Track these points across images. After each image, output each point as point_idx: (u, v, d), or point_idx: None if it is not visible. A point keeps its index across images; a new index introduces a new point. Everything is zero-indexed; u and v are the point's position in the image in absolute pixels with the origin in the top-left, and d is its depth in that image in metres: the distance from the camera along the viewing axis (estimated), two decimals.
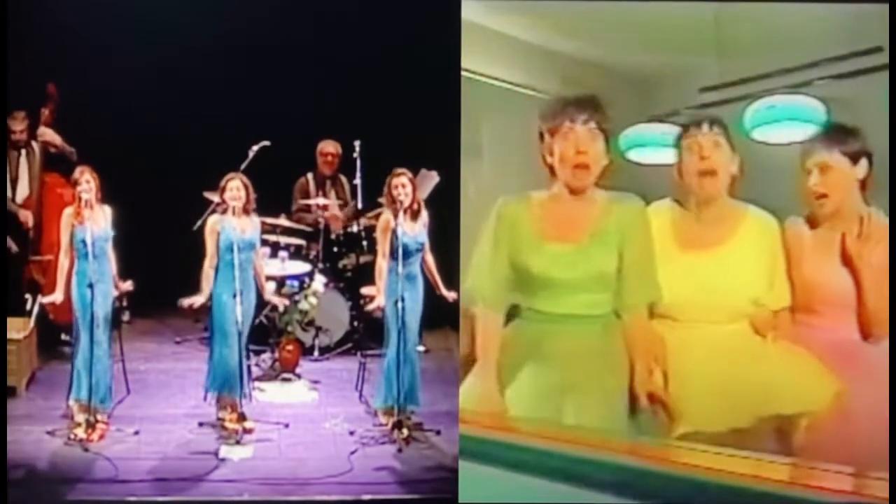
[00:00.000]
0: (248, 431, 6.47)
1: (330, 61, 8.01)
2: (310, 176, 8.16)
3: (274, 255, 7.54)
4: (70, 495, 5.92)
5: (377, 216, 6.93)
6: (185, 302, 6.46)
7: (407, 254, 6.43)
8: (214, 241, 6.42)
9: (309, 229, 7.96)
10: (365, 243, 7.78)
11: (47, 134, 7.55)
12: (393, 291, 6.41)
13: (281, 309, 7.28)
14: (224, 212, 6.47)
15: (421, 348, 6.98)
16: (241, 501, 5.93)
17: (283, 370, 7.32)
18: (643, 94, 6.56)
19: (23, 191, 7.58)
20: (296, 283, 7.47)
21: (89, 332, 6.31)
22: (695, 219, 5.33)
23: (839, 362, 5.15)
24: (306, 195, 8.10)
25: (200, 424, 6.55)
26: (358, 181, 7.78)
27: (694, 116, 5.48)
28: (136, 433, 6.47)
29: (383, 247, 6.47)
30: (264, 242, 7.11)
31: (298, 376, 7.32)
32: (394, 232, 6.41)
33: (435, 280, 6.57)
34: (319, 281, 7.49)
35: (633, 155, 6.29)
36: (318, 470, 6.18)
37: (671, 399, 5.15)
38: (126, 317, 7.55)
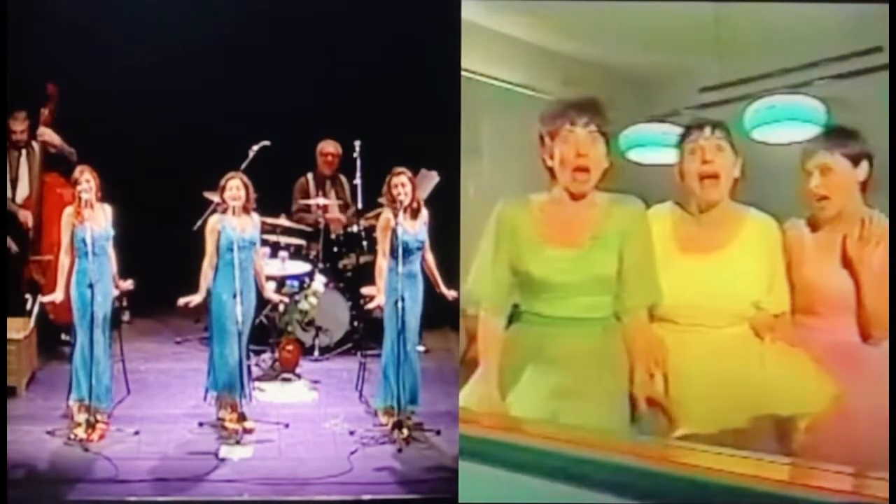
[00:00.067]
0: (248, 431, 6.47)
1: (330, 61, 8.01)
2: (310, 176, 8.17)
3: (274, 255, 7.54)
4: (70, 495, 5.92)
5: (377, 216, 6.93)
6: (182, 301, 6.47)
7: (407, 252, 6.44)
8: (214, 241, 6.42)
9: (309, 229, 7.97)
10: (365, 243, 7.79)
11: (47, 134, 7.55)
12: (393, 290, 6.42)
13: (281, 308, 7.29)
14: (224, 211, 6.48)
15: (421, 348, 6.98)
16: (241, 501, 5.93)
17: (283, 370, 7.32)
18: (643, 94, 6.56)
19: (23, 191, 7.58)
20: (296, 283, 7.47)
21: (89, 331, 6.31)
22: (696, 222, 5.32)
23: (839, 364, 5.15)
24: (306, 195, 8.11)
25: (200, 424, 6.55)
26: (358, 181, 7.78)
27: (696, 118, 5.46)
28: (136, 433, 6.47)
29: (383, 246, 6.48)
30: (264, 242, 7.11)
31: (298, 376, 7.32)
32: (394, 231, 6.42)
33: (435, 278, 6.57)
34: (319, 281, 7.49)
35: (634, 155, 6.28)
36: (318, 470, 6.18)
37: (670, 403, 5.15)
38: (126, 317, 7.57)
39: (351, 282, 7.80)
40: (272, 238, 7.63)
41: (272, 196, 7.24)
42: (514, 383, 5.17)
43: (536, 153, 5.23)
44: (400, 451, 6.37)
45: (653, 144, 6.23)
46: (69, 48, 7.53)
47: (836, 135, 5.31)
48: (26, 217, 7.53)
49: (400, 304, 6.39)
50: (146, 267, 6.62)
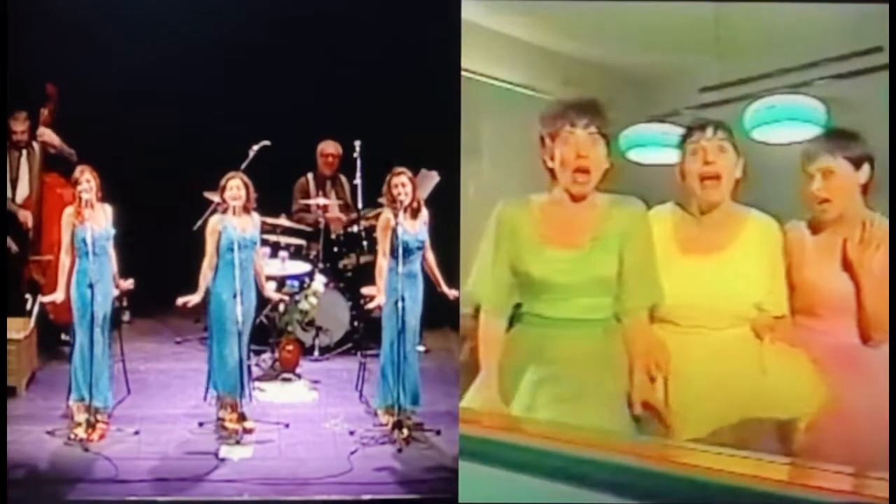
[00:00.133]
0: (248, 431, 6.47)
1: (330, 61, 8.00)
2: (310, 176, 8.17)
3: (274, 255, 7.54)
4: (70, 495, 5.92)
5: (377, 216, 6.93)
6: (181, 300, 6.46)
7: (407, 252, 6.44)
8: (214, 241, 6.42)
9: (309, 229, 7.97)
10: (365, 243, 7.79)
11: (46, 134, 7.55)
12: (393, 290, 6.42)
13: (281, 308, 7.29)
14: (224, 211, 6.48)
15: (421, 348, 6.98)
16: (241, 501, 5.93)
17: (283, 370, 7.32)
18: (643, 94, 6.56)
19: (23, 191, 7.58)
20: (296, 283, 7.47)
21: (89, 331, 6.31)
22: (697, 223, 5.31)
23: (839, 365, 5.15)
24: (306, 195, 8.11)
25: (200, 424, 6.55)
26: (358, 181, 7.78)
27: (697, 118, 5.46)
28: (136, 433, 6.47)
29: (383, 245, 6.48)
30: (264, 242, 7.11)
31: (298, 376, 7.32)
32: (394, 231, 6.42)
33: (436, 277, 6.58)
34: (319, 281, 7.49)
35: (634, 155, 6.29)
36: (318, 470, 6.18)
37: (668, 410, 5.14)
38: (126, 317, 7.57)
39: (351, 282, 7.81)
40: (272, 238, 7.63)
41: (272, 196, 7.24)
42: (515, 385, 5.16)
43: (536, 154, 5.23)
44: (400, 451, 6.37)
45: (653, 144, 6.23)
46: (69, 48, 7.53)
47: (837, 137, 5.30)
48: (26, 217, 7.53)
49: (400, 304, 6.39)
50: (146, 267, 6.63)
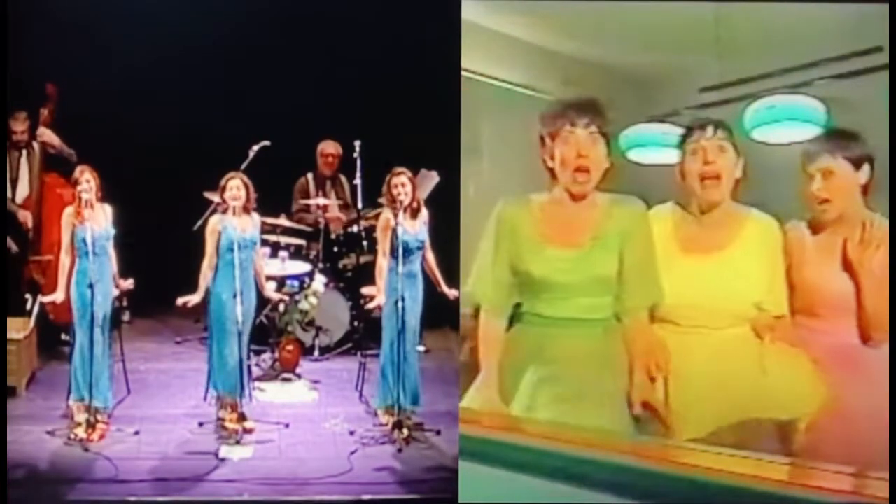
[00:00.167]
0: (248, 431, 6.47)
1: (330, 61, 8.00)
2: (310, 176, 8.17)
3: (274, 255, 7.54)
4: (70, 495, 5.92)
5: (377, 216, 6.93)
6: (180, 300, 6.46)
7: (407, 252, 6.44)
8: (214, 241, 6.42)
9: (309, 229, 7.97)
10: (365, 243, 7.79)
11: (46, 134, 7.55)
12: (393, 290, 6.42)
13: (281, 308, 7.29)
14: (224, 211, 6.48)
15: (421, 348, 6.98)
16: (241, 501, 5.93)
17: (283, 370, 7.32)
18: (643, 94, 6.56)
19: (23, 191, 7.58)
20: (296, 283, 7.47)
21: (89, 331, 6.31)
22: (697, 222, 5.31)
23: (839, 365, 5.15)
24: (306, 195, 8.11)
25: (200, 424, 6.55)
26: (358, 181, 7.78)
27: (698, 118, 5.46)
28: (136, 433, 6.47)
29: (383, 245, 6.48)
30: (264, 242, 7.11)
31: (298, 376, 7.32)
32: (394, 231, 6.42)
33: (436, 277, 6.57)
34: (319, 281, 7.49)
35: (634, 155, 6.28)
36: (318, 470, 6.18)
37: (669, 410, 5.14)
38: (126, 317, 7.57)
39: (351, 282, 7.80)
40: (272, 238, 7.63)
41: (272, 196, 7.24)
42: (515, 385, 5.16)
43: (536, 153, 5.23)
44: (400, 451, 6.37)
45: (653, 144, 6.23)
46: (69, 48, 7.53)
47: (837, 137, 5.30)
48: (26, 217, 7.53)
49: (400, 304, 6.39)
50: (146, 267, 6.63)
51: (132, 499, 5.90)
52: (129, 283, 6.55)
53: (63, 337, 7.23)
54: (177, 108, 7.76)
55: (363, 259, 7.72)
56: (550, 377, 5.11)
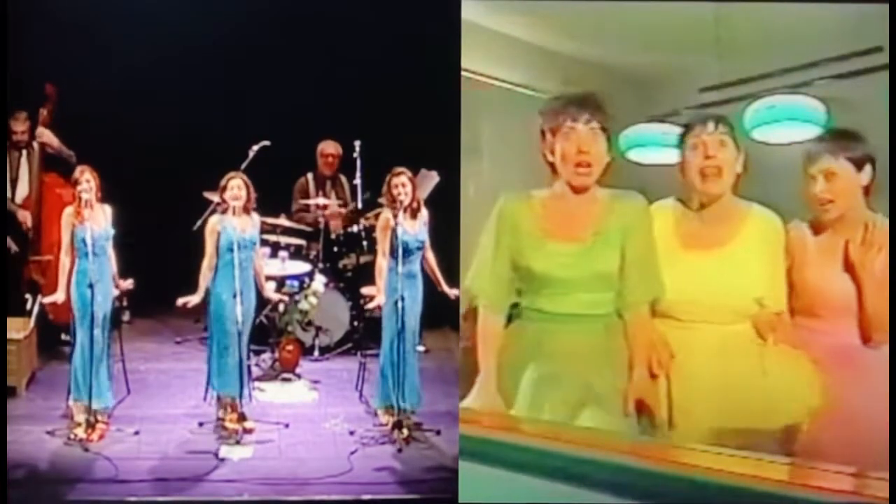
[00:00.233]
0: (248, 431, 6.47)
1: (330, 61, 8.01)
2: (310, 176, 8.17)
3: (274, 255, 7.54)
4: (70, 495, 5.92)
5: (377, 216, 6.93)
6: (180, 301, 6.46)
7: (407, 252, 6.44)
8: (214, 241, 6.42)
9: (309, 229, 7.97)
10: (365, 243, 7.79)
11: (45, 135, 7.55)
12: (393, 290, 6.42)
13: (281, 308, 7.29)
14: (224, 211, 6.48)
15: (421, 348, 6.98)
16: (241, 501, 5.93)
17: (283, 370, 7.32)
18: (643, 94, 6.55)
19: (22, 191, 7.59)
20: (296, 283, 7.47)
21: (89, 331, 6.32)
22: (698, 218, 5.30)
23: (840, 366, 5.14)
24: (306, 195, 8.11)
25: (200, 424, 6.55)
26: (358, 181, 7.78)
27: (698, 115, 5.45)
28: (136, 433, 6.48)
29: (383, 245, 6.48)
30: (264, 242, 7.11)
31: (298, 376, 7.32)
32: (394, 231, 6.42)
33: (436, 277, 6.57)
34: (319, 281, 7.49)
35: (633, 155, 6.28)
36: (318, 470, 6.18)
37: (667, 404, 5.14)
38: (126, 317, 7.56)
39: (351, 282, 7.81)
40: (272, 238, 7.64)
41: (272, 196, 7.24)
42: (515, 381, 5.15)
43: (537, 153, 5.23)
44: (400, 451, 6.37)
45: (653, 144, 6.22)
46: (69, 48, 7.53)
47: (838, 138, 5.29)
48: (26, 217, 7.54)
49: (400, 304, 6.39)
50: (146, 267, 6.63)
51: (132, 499, 5.91)
52: (128, 283, 6.55)
53: (63, 337, 7.22)
54: (177, 108, 7.76)
55: (363, 259, 7.72)
56: (551, 374, 5.10)
